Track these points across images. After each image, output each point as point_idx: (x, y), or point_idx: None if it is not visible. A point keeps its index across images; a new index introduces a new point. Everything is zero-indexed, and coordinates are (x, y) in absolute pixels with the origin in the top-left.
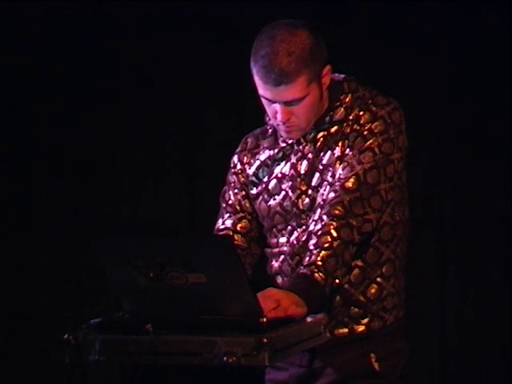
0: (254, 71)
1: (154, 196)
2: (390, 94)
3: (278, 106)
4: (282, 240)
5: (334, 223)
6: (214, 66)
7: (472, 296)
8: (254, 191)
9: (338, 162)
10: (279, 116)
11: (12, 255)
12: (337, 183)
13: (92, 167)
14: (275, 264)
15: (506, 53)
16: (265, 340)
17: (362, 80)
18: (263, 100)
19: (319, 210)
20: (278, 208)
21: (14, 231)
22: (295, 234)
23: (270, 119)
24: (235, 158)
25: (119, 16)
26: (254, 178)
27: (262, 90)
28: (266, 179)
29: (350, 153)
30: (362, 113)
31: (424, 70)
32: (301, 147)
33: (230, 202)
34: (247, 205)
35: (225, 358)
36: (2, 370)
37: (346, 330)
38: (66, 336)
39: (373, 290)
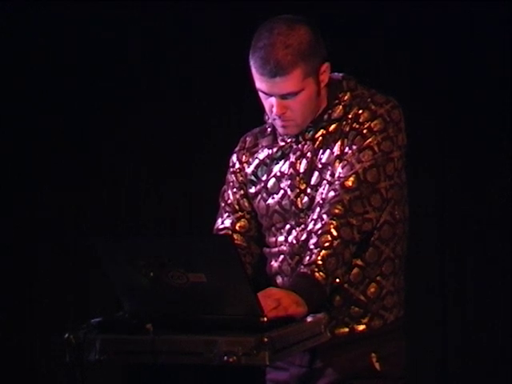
0: (252, 63)
1: (154, 196)
2: (389, 93)
3: (273, 100)
4: (281, 239)
5: (334, 222)
6: (213, 66)
7: (472, 295)
8: (252, 190)
9: (338, 160)
10: (275, 109)
11: (12, 255)
12: (336, 182)
13: (92, 167)
14: (275, 264)
15: (506, 51)
16: (265, 339)
17: (361, 79)
18: (260, 94)
19: (318, 209)
20: (277, 207)
21: (14, 231)
22: (294, 232)
23: (268, 118)
24: (234, 157)
25: (119, 16)
26: (252, 177)
27: (259, 82)
28: (264, 178)
29: (350, 151)
30: (361, 111)
31: (424, 69)
32: (300, 146)
33: (229, 201)
34: (246, 204)
35: (225, 358)
36: (2, 370)
37: (346, 330)
38: (66, 336)
39: (372, 289)
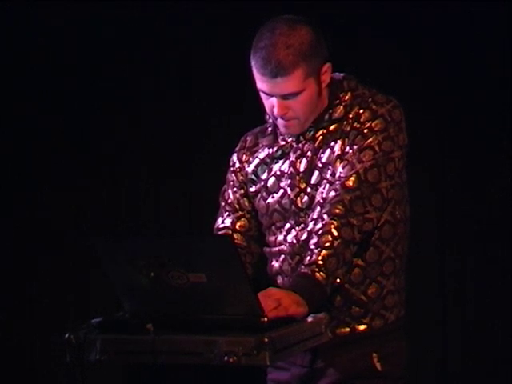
0: (253, 63)
1: (154, 196)
2: (389, 93)
3: (274, 100)
4: (280, 238)
5: (335, 222)
6: (214, 66)
7: (472, 295)
8: (252, 189)
9: (338, 160)
10: (275, 110)
11: (13, 255)
12: (337, 182)
13: (92, 167)
14: (275, 264)
15: (506, 51)
16: (266, 339)
17: (361, 79)
18: (261, 94)
19: (319, 209)
20: (277, 206)
21: (14, 231)
22: (293, 232)
23: (269, 117)
24: (234, 157)
25: (119, 16)
26: (252, 176)
27: (260, 82)
28: (264, 177)
29: (350, 151)
30: (362, 111)
31: (424, 69)
32: (300, 145)
33: (229, 200)
34: (246, 203)
35: (225, 358)
36: (2, 370)
37: (347, 330)
38: (66, 336)
39: (373, 289)
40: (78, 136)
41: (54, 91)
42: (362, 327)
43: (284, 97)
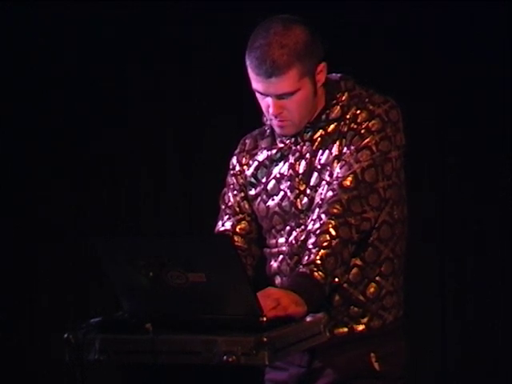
0: (248, 63)
1: (154, 196)
2: (389, 93)
3: (270, 100)
4: (281, 240)
5: (333, 222)
6: (213, 66)
7: (472, 295)
8: (252, 192)
9: (336, 160)
10: (271, 109)
11: (13, 255)
12: (335, 182)
13: (92, 167)
14: (274, 264)
15: (506, 51)
16: (264, 339)
17: (360, 79)
18: (256, 94)
19: (317, 209)
20: (277, 208)
21: (14, 231)
22: (294, 234)
23: (267, 119)
24: (234, 160)
25: (119, 16)
26: (252, 179)
27: (255, 82)
28: (264, 180)
29: (348, 151)
30: (359, 111)
31: (424, 69)
32: (298, 147)
33: (230, 203)
34: (246, 206)
35: (224, 358)
36: (2, 370)
37: (345, 330)
38: (66, 335)
39: (372, 289)
40: (77, 136)
41: (53, 91)
42: (360, 327)
43: (279, 96)
